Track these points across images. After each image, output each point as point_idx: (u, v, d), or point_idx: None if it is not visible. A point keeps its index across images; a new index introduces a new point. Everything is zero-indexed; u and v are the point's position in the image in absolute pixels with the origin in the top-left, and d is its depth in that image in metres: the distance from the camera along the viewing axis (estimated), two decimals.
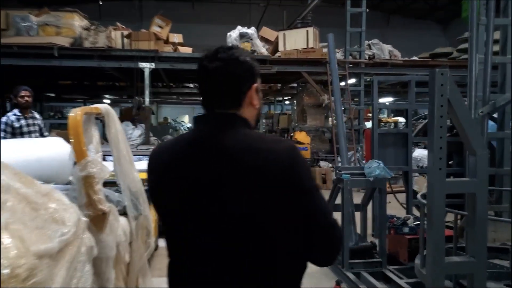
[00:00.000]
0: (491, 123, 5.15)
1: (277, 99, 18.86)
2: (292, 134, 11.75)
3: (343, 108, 12.42)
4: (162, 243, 5.32)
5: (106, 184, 3.25)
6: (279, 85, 14.21)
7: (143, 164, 5.75)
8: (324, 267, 1.68)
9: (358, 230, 4.37)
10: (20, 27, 8.59)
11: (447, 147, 5.28)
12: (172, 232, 1.31)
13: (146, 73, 8.65)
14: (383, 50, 10.36)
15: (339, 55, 10.45)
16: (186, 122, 22.31)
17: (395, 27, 22.28)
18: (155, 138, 9.10)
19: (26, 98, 5.36)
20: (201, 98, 1.29)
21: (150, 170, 1.36)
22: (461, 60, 10.15)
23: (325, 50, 10.10)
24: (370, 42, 10.31)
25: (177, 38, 10.80)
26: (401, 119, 19.55)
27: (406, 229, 4.19)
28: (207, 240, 1.20)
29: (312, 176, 1.27)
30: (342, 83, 9.88)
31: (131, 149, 6.98)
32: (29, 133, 5.18)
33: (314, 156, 11.19)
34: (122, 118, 11.69)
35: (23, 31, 8.59)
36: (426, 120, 5.85)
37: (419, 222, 4.48)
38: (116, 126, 3.08)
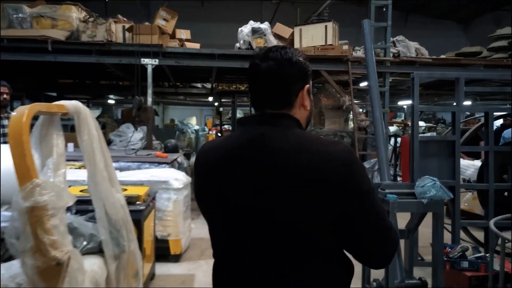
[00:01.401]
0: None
1: None
2: None
3: (364, 110, 11.55)
4: (160, 269, 4.48)
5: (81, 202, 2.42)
6: None
7: (142, 173, 4.98)
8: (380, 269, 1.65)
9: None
10: (12, 19, 7.82)
11: (501, 159, 4.37)
12: (218, 233, 1.30)
13: (149, 70, 7.83)
14: (409, 47, 9.44)
15: (360, 53, 9.58)
16: (194, 124, 21.49)
17: (414, 27, 21.23)
18: (158, 142, 8.27)
19: (5, 96, 4.59)
20: (251, 98, 1.30)
21: (196, 170, 1.33)
22: (494, 59, 9.22)
23: (345, 47, 9.25)
24: (395, 39, 9.40)
25: (184, 34, 10.00)
26: (421, 123, 18.60)
27: (465, 264, 3.30)
28: (253, 243, 1.18)
29: (369, 179, 1.21)
30: (365, 83, 9.00)
31: (130, 154, 6.19)
32: (4, 136, 4.39)
33: None
34: (124, 120, 10.92)
35: (15, 24, 7.83)
36: (477, 125, 4.96)
37: (480, 254, 3.60)
38: (90, 130, 2.24)
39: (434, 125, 17.85)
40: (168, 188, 4.32)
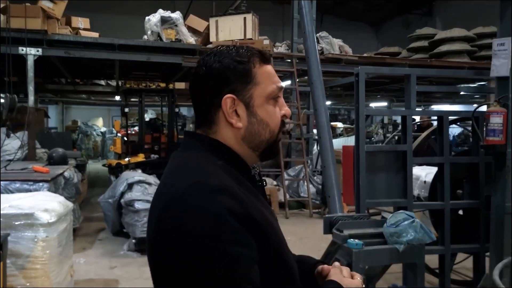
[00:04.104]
0: None
1: None
2: None
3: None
4: None
5: None
6: None
7: (12, 197, 3.61)
8: None
9: None
10: None
11: (456, 172, 3.69)
12: None
13: (30, 62, 6.31)
14: (333, 45, 8.86)
15: (282, 49, 8.80)
16: (100, 126, 19.53)
17: (329, 27, 21.20)
18: (45, 150, 6.74)
19: None
20: None
21: None
22: (418, 59, 8.94)
23: (266, 42, 8.41)
24: (318, 35, 8.73)
25: (82, 23, 8.54)
26: (339, 124, 18.47)
27: None
28: None
29: (207, 255, 0.82)
30: (289, 82, 8.20)
31: None
32: None
33: None
34: None
35: None
36: (428, 131, 4.26)
37: None
38: None
39: (352, 127, 17.77)
40: (34, 223, 3.05)
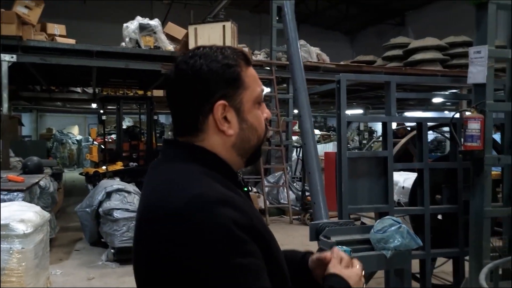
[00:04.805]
0: None
1: None
2: None
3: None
4: None
5: None
6: None
7: None
8: None
9: None
10: None
11: (435, 177, 3.76)
12: None
13: (4, 68, 6.16)
14: (311, 53, 8.96)
15: (261, 57, 8.85)
16: (76, 134, 19.16)
17: (305, 36, 21.47)
18: (19, 159, 6.57)
19: None
20: None
21: None
22: (394, 67, 9.12)
23: (245, 49, 8.45)
24: None
25: (58, 29, 8.40)
26: (316, 131, 18.61)
27: None
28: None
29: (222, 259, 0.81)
30: (268, 89, 8.24)
31: None
32: None
33: None
34: None
35: None
36: (407, 137, 4.32)
37: None
38: None
39: (329, 133, 17.97)
40: (9, 235, 2.94)
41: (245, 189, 1.05)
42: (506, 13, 3.50)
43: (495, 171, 3.82)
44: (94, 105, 15.61)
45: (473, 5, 3.33)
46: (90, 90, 12.25)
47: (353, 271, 1.07)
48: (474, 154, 3.24)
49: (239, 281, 0.80)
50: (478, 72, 3.29)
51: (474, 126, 3.21)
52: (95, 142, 12.06)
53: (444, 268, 4.44)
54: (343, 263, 1.08)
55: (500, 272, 3.27)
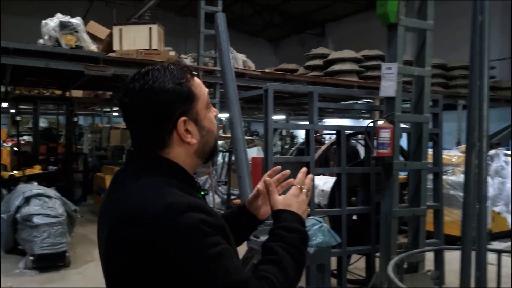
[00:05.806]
0: None
1: (104, 109, 16.17)
2: None
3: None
4: None
5: None
6: (110, 93, 11.84)
7: None
8: None
9: None
10: None
11: (352, 181, 4.11)
12: None
13: None
14: (237, 59, 9.17)
15: (188, 61, 8.89)
16: None
17: (230, 41, 21.73)
18: None
19: None
20: None
21: None
22: (315, 76, 9.62)
23: (172, 53, 8.47)
24: None
25: None
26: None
27: None
28: None
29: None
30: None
31: None
32: None
33: None
34: None
35: None
36: (328, 144, 4.65)
37: None
38: None
39: (253, 138, 18.33)
40: None
41: (201, 193, 1.19)
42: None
43: (402, 175, 4.25)
44: (4, 104, 14.55)
45: (384, 25, 3.72)
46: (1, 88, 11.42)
47: (300, 201, 1.14)
48: (384, 160, 3.60)
49: (216, 264, 0.95)
50: (389, 86, 3.66)
51: (385, 135, 3.57)
52: (5, 144, 11.29)
53: (357, 265, 4.83)
54: (291, 191, 1.15)
55: (406, 266, 3.67)
